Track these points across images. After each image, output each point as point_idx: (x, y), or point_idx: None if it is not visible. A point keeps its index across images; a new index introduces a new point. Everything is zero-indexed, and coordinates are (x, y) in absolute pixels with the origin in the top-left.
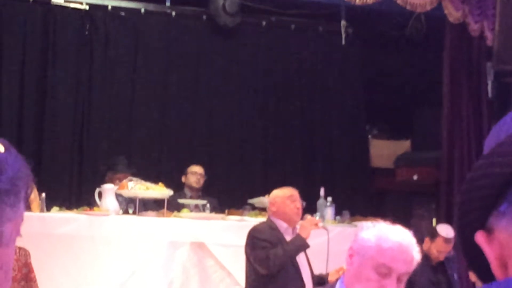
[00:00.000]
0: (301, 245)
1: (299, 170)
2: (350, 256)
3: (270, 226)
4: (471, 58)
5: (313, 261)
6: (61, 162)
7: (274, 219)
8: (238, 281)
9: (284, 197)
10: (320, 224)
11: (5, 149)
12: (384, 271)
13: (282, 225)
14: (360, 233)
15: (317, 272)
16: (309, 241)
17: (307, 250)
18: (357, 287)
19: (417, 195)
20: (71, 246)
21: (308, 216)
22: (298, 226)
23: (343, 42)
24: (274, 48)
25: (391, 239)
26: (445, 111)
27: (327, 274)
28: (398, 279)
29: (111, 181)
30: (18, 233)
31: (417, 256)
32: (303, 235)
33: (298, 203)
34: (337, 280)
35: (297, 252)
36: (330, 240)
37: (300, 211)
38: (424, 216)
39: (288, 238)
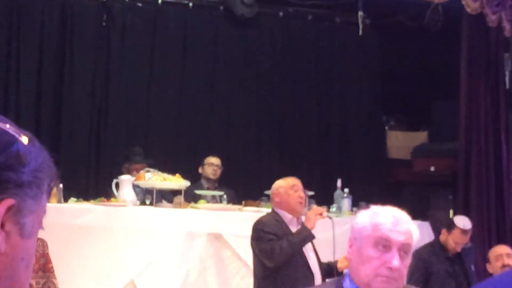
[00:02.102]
0: (307, 235)
1: (316, 161)
2: (350, 246)
3: (275, 218)
4: (489, 49)
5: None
6: (78, 153)
7: (278, 210)
8: None
9: (287, 187)
10: (325, 214)
11: (29, 141)
12: (383, 244)
13: (286, 216)
14: (354, 221)
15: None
16: (328, 232)
17: (316, 241)
18: (362, 270)
19: (434, 186)
20: (88, 236)
21: (314, 206)
22: (303, 217)
23: (360, 33)
24: (291, 39)
25: (384, 214)
26: (462, 102)
27: (336, 262)
28: (400, 251)
29: (128, 172)
30: (40, 226)
31: (414, 230)
32: (309, 225)
33: (301, 193)
34: (343, 272)
35: (303, 243)
36: (348, 231)
37: (304, 201)
38: (441, 207)
39: (293, 229)
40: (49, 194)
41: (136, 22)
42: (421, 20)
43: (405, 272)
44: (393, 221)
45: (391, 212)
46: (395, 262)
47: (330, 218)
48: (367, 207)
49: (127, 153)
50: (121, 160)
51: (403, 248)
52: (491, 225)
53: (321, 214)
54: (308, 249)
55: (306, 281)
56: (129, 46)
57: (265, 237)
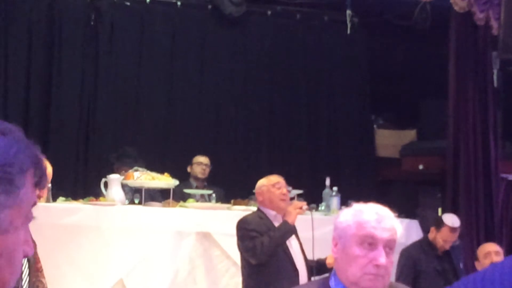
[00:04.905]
0: (288, 230)
1: (305, 160)
2: (335, 245)
3: (258, 216)
4: (477, 47)
5: (318, 249)
6: (67, 152)
7: (263, 208)
8: None
9: (269, 185)
10: (305, 207)
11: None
12: (368, 242)
13: (270, 213)
14: (337, 220)
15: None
16: (317, 231)
17: (306, 239)
18: (349, 269)
19: (423, 184)
20: (77, 236)
21: (294, 201)
22: None
23: (349, 31)
24: (279, 38)
25: (367, 212)
26: (450, 100)
27: (326, 258)
28: (385, 248)
29: (118, 171)
30: (25, 220)
31: (397, 225)
32: (289, 220)
33: (284, 190)
34: (332, 269)
35: (284, 238)
36: None
37: (287, 197)
38: (430, 205)
39: (277, 225)
40: (38, 185)
41: (124, 21)
42: (409, 19)
43: (391, 268)
44: (377, 218)
45: (374, 209)
46: (382, 259)
47: (310, 210)
48: None
49: (120, 153)
50: (113, 160)
51: (388, 245)
52: (479, 223)
53: (301, 208)
54: (293, 246)
55: (290, 278)
56: (117, 45)
57: (247, 234)
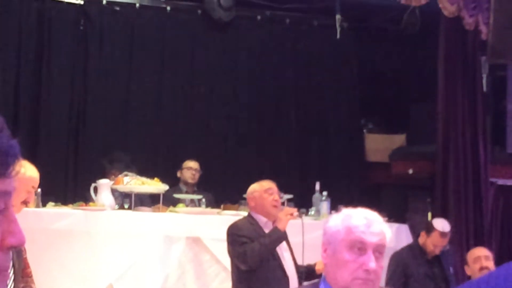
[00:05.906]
0: (278, 237)
1: (295, 164)
2: (324, 250)
3: (249, 222)
4: (466, 52)
5: (309, 255)
6: (56, 157)
7: (254, 213)
8: None
9: (262, 191)
10: (295, 214)
11: None
12: (358, 247)
13: (261, 219)
14: (327, 225)
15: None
16: (307, 236)
17: (296, 245)
18: (339, 274)
19: (412, 189)
20: (67, 241)
21: (285, 207)
22: None
23: (338, 36)
24: (269, 43)
25: (356, 216)
26: (440, 105)
27: (315, 264)
28: (375, 252)
29: (108, 175)
30: None
31: (387, 230)
32: (280, 226)
33: (276, 196)
34: (322, 274)
35: (275, 244)
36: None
37: (279, 204)
38: (420, 210)
39: (268, 232)
40: (8, 174)
41: (113, 25)
42: (399, 24)
43: (381, 272)
44: (366, 223)
45: (363, 214)
46: (372, 264)
47: (300, 215)
48: None
49: (111, 158)
50: (105, 164)
51: (378, 249)
52: (469, 227)
53: (292, 215)
54: (283, 251)
55: (280, 284)
56: (107, 49)
57: (238, 240)
